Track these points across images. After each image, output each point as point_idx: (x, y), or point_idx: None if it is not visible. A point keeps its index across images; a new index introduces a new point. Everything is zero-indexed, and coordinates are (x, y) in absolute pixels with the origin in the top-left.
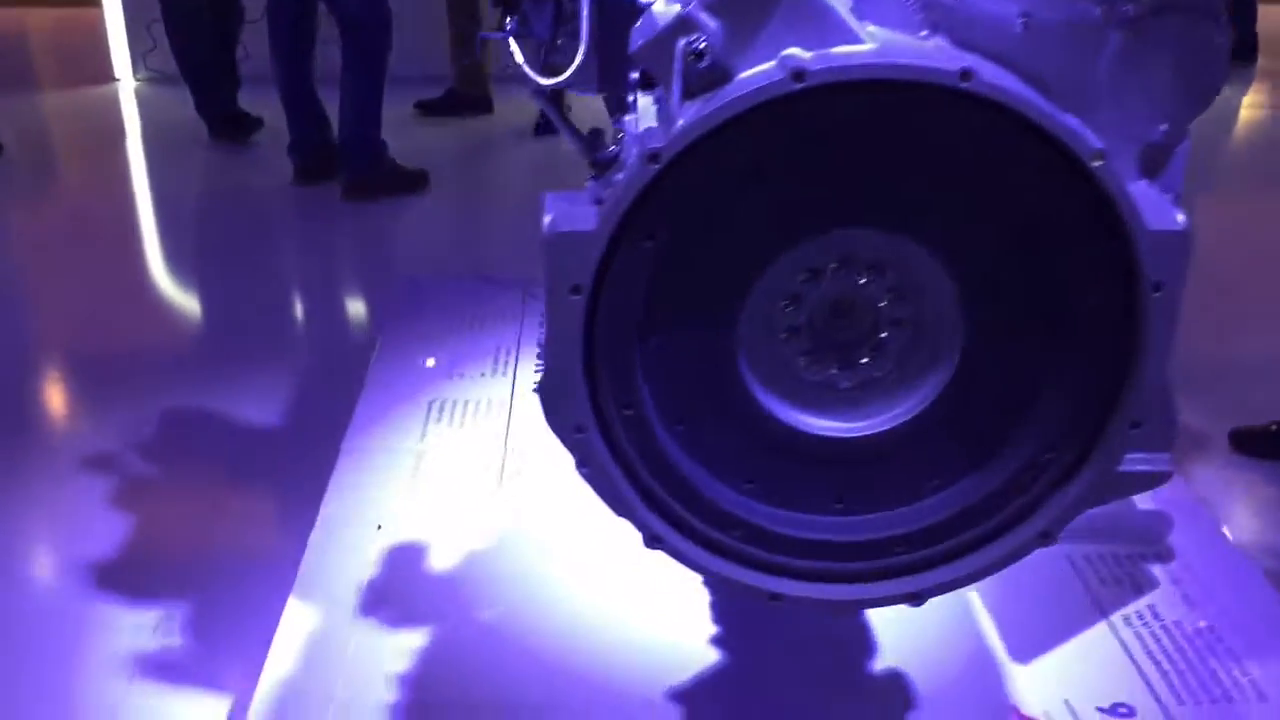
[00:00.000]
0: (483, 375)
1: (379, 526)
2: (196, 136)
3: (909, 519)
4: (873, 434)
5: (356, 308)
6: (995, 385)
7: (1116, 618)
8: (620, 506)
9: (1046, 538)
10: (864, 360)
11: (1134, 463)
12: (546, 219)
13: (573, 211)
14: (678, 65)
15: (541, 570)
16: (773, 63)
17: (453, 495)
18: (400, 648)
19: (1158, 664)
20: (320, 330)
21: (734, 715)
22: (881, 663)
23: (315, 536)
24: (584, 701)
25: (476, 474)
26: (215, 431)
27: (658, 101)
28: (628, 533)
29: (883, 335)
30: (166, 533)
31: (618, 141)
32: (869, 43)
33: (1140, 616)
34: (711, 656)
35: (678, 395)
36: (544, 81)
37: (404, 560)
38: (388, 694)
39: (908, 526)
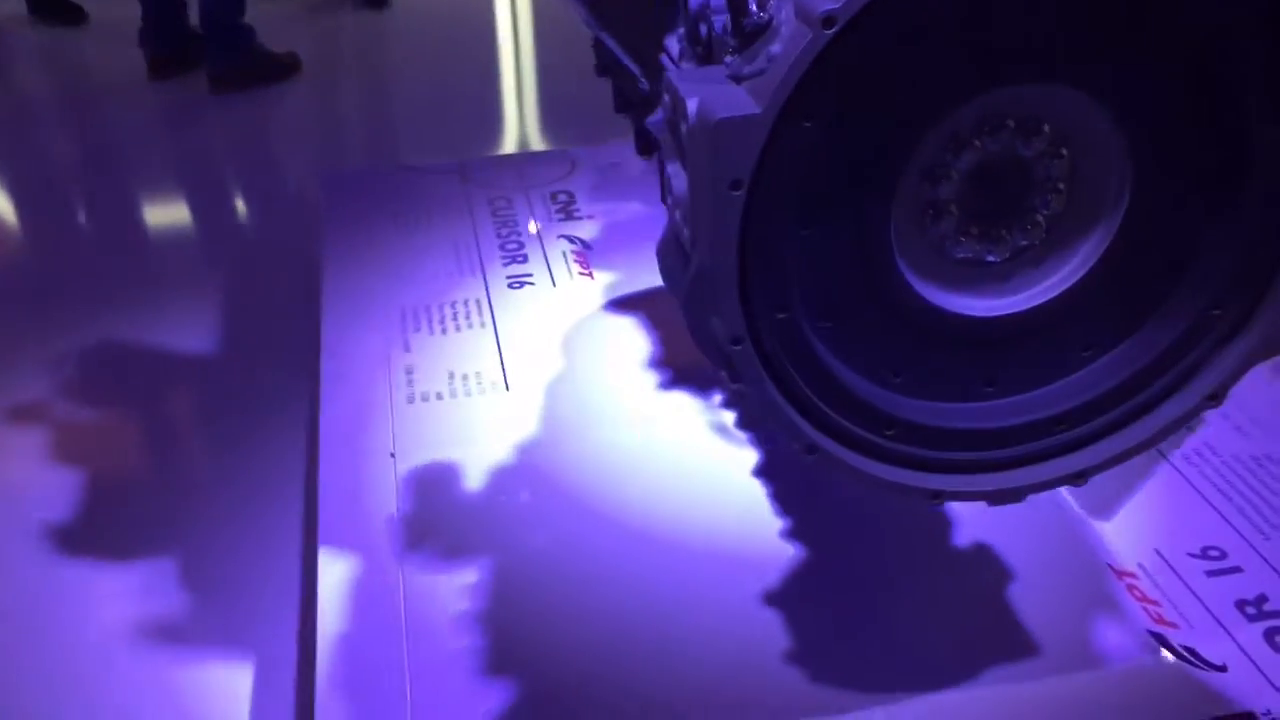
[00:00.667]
0: (449, 274)
1: (391, 454)
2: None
3: (1067, 394)
4: (1026, 309)
5: (266, 214)
6: (1158, 243)
7: (1177, 459)
8: (776, 418)
9: (1215, 399)
10: (1017, 231)
11: None
12: (691, 104)
13: (722, 94)
14: None
15: (576, 480)
16: None
17: (461, 410)
18: (456, 587)
19: (1229, 500)
20: (232, 246)
21: (825, 598)
22: (967, 539)
23: (325, 473)
24: (671, 607)
25: (479, 384)
26: (160, 366)
27: None
28: (656, 427)
29: (1037, 200)
30: (142, 480)
31: (761, 5)
32: None
33: (1199, 454)
34: (785, 550)
35: (828, 289)
36: None
37: (429, 489)
38: (460, 641)
39: (1067, 403)
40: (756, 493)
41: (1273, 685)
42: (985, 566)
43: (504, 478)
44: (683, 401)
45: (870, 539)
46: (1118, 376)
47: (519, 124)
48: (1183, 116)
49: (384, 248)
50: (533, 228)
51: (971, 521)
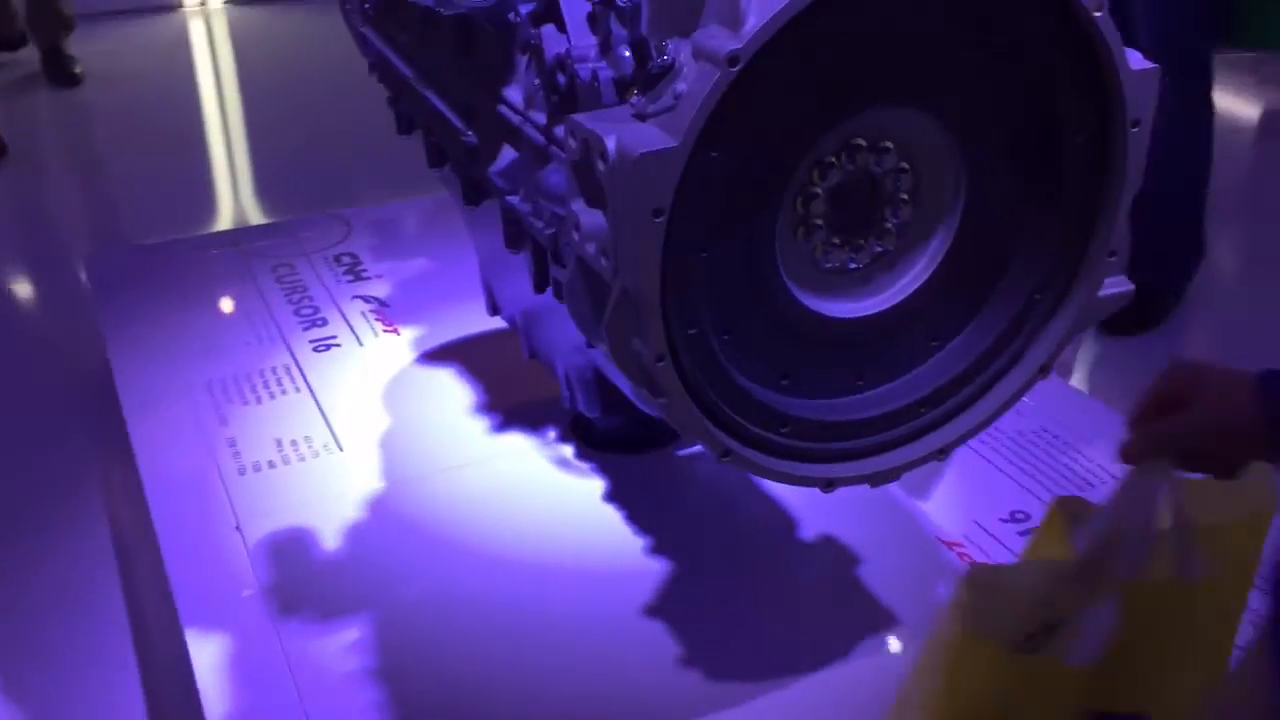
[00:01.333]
0: (247, 345)
1: (236, 528)
2: None
3: (923, 382)
4: (884, 309)
5: (15, 300)
6: (989, 240)
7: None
8: (694, 428)
9: (1045, 371)
10: (873, 239)
11: (1108, 287)
12: (610, 142)
13: (635, 131)
14: None
15: (434, 526)
16: None
17: (298, 475)
18: (341, 646)
19: (1022, 469)
20: None
21: (699, 602)
22: (812, 532)
23: (170, 555)
24: (555, 630)
25: (310, 448)
26: None
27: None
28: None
29: (888, 210)
30: None
31: (654, 50)
32: None
33: (989, 434)
34: (651, 564)
35: (726, 304)
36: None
37: (285, 556)
38: (360, 698)
39: (924, 389)
40: (612, 515)
41: None
42: (833, 554)
43: (360, 535)
44: (518, 442)
45: (726, 544)
46: (963, 361)
47: (233, 197)
48: (1006, 123)
49: (171, 325)
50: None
51: (811, 515)
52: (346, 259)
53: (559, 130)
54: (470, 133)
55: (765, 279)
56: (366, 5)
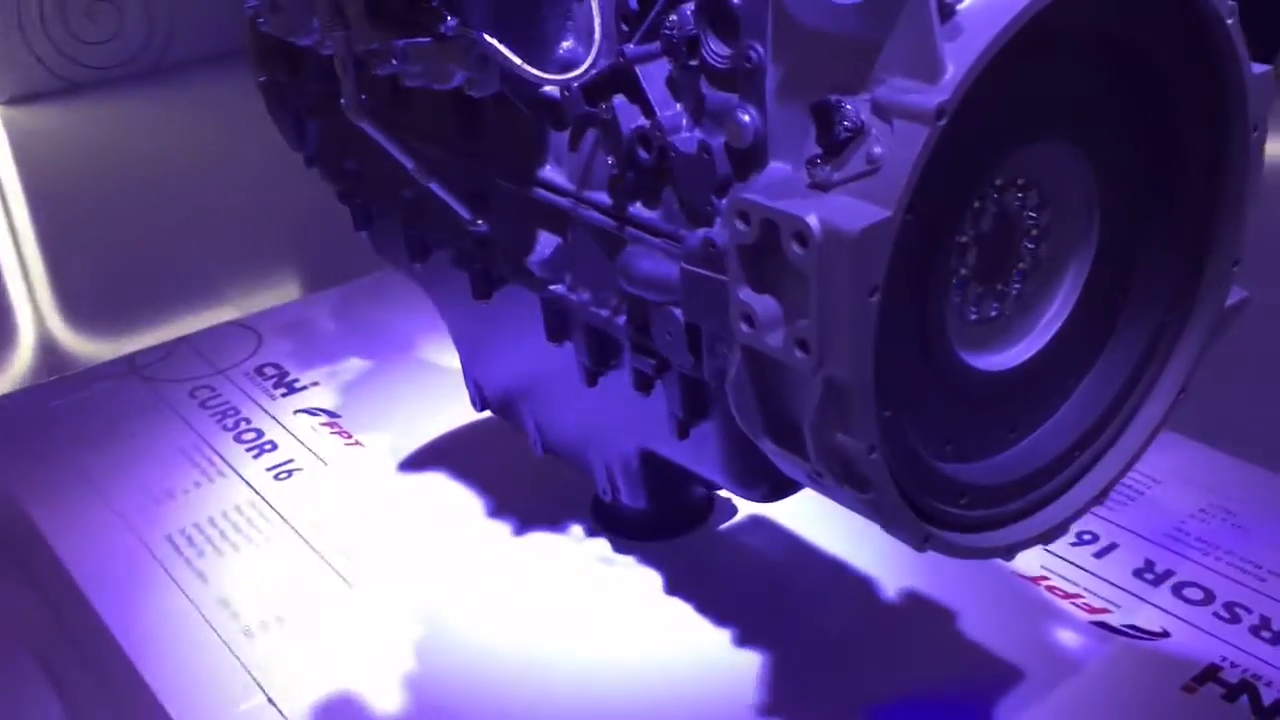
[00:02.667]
0: (197, 486)
1: (269, 700)
2: None
3: (1072, 423)
4: (1031, 354)
5: None
6: (1120, 266)
7: None
8: (899, 519)
9: (1184, 392)
10: (1013, 281)
11: (1233, 296)
12: (813, 220)
13: (837, 205)
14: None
15: (496, 666)
16: None
17: (314, 628)
18: None
19: None
20: None
21: (816, 684)
22: (893, 593)
23: None
24: None
25: (319, 592)
26: None
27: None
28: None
29: (1025, 251)
30: None
31: (830, 114)
32: None
33: None
34: (749, 657)
35: (906, 374)
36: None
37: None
38: None
39: (1075, 431)
40: (686, 610)
41: (1210, 634)
42: (929, 613)
43: (408, 684)
44: (547, 546)
45: (817, 619)
46: (1107, 395)
47: (34, 313)
48: (1131, 140)
49: (98, 480)
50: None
51: (880, 576)
52: (270, 370)
53: (636, 210)
54: (481, 222)
55: (933, 341)
56: (310, 93)
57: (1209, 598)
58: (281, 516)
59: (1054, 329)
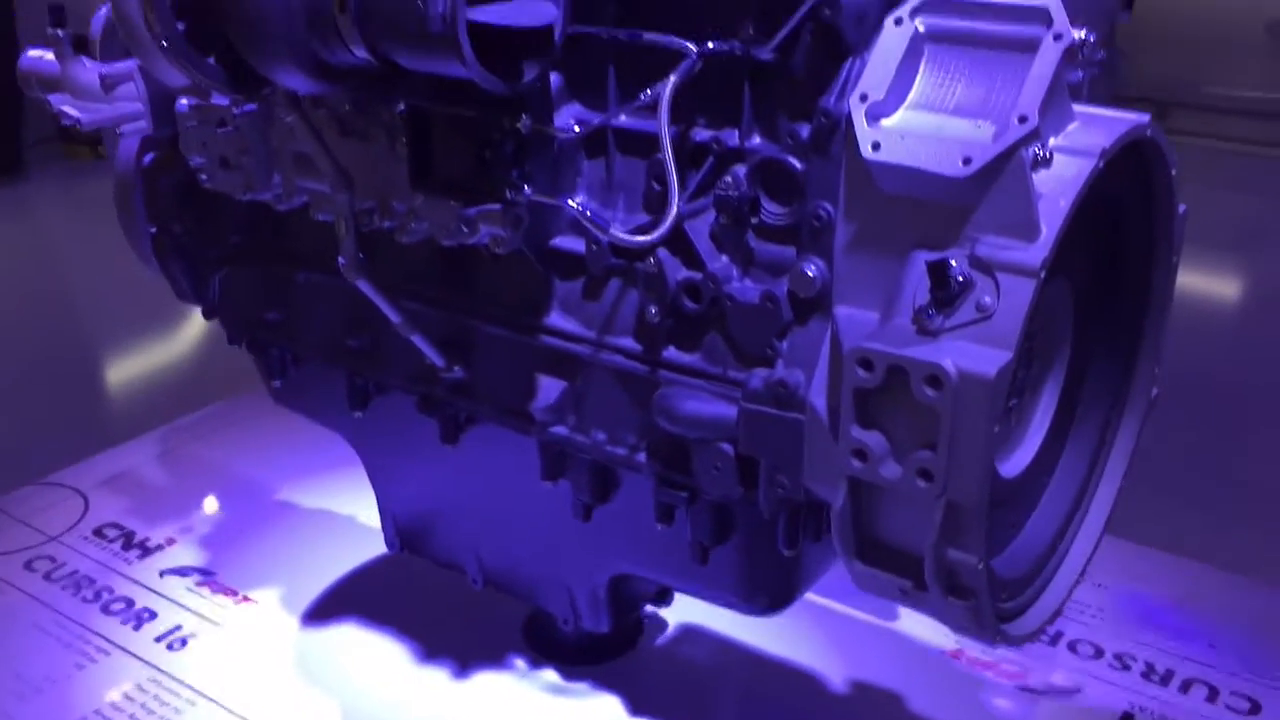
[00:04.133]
0: (79, 667)
1: None
2: None
3: (1053, 514)
4: (1029, 459)
5: None
6: (1080, 373)
7: None
8: (989, 622)
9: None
10: (1013, 398)
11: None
12: (948, 365)
13: (961, 350)
14: (1026, 162)
15: None
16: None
17: None
18: None
19: None
20: None
21: None
22: (830, 688)
23: None
24: None
25: None
26: None
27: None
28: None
29: (1023, 371)
30: None
31: (944, 270)
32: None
33: None
34: None
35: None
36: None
37: None
38: None
39: (1056, 521)
40: None
41: (1114, 685)
42: (875, 699)
43: None
44: (496, 682)
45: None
46: (1074, 484)
47: None
48: (1098, 270)
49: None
50: None
51: (823, 669)
52: (112, 531)
53: (671, 354)
54: (457, 368)
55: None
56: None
57: (1099, 652)
58: (194, 689)
59: (1041, 434)
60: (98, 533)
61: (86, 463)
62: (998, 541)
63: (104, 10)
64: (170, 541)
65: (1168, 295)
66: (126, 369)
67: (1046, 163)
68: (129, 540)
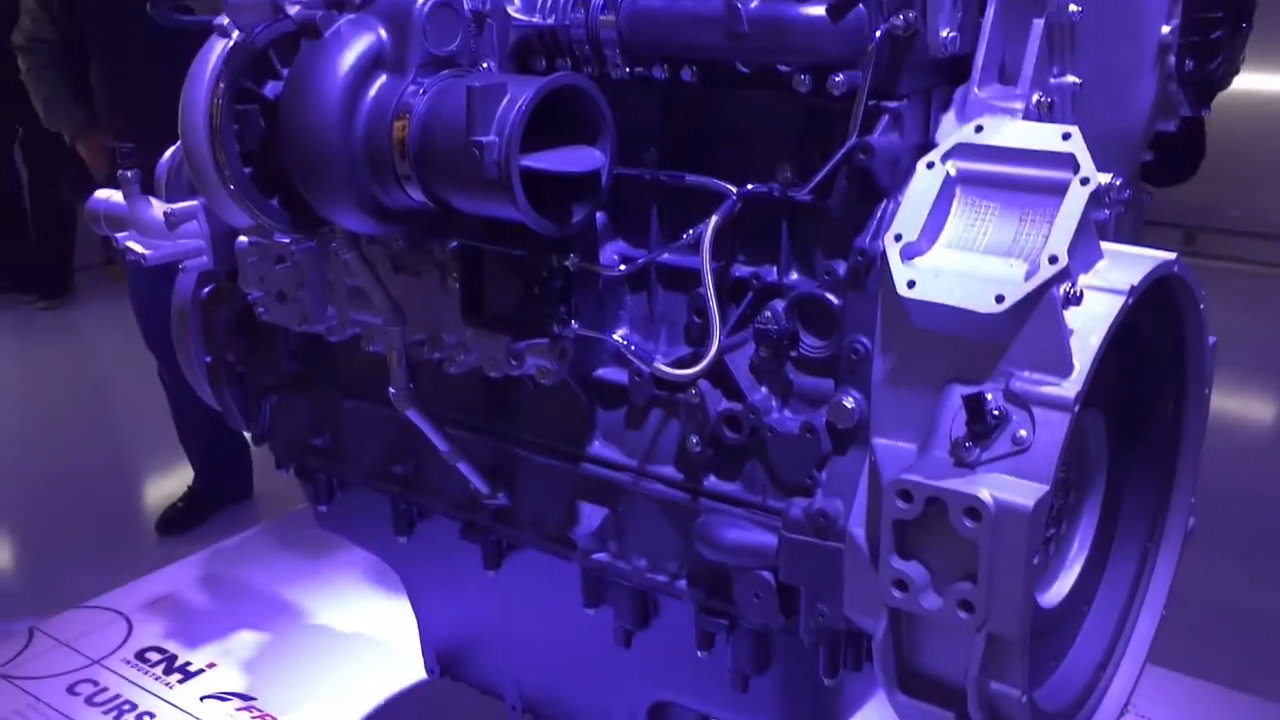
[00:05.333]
0: None
1: None
2: None
3: (1094, 645)
4: (1068, 589)
5: None
6: (1117, 503)
7: None
8: None
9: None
10: (1051, 527)
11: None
12: (986, 497)
13: (1000, 483)
14: (1058, 300)
15: None
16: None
17: None
18: None
19: None
20: None
21: None
22: None
23: None
24: None
25: None
26: None
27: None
28: None
29: (1061, 500)
30: None
31: (980, 404)
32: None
33: None
34: None
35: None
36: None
37: None
38: None
39: (1097, 652)
40: None
41: None
42: None
43: None
44: None
45: None
46: (1113, 614)
47: None
48: (1131, 402)
49: None
50: None
51: None
52: (154, 655)
53: (712, 483)
54: (501, 495)
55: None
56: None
57: None
58: None
59: (1080, 563)
60: (140, 656)
61: (130, 586)
62: (1040, 673)
63: (171, 151)
64: (211, 665)
65: (1201, 426)
66: (170, 491)
67: (1077, 300)
68: (171, 664)
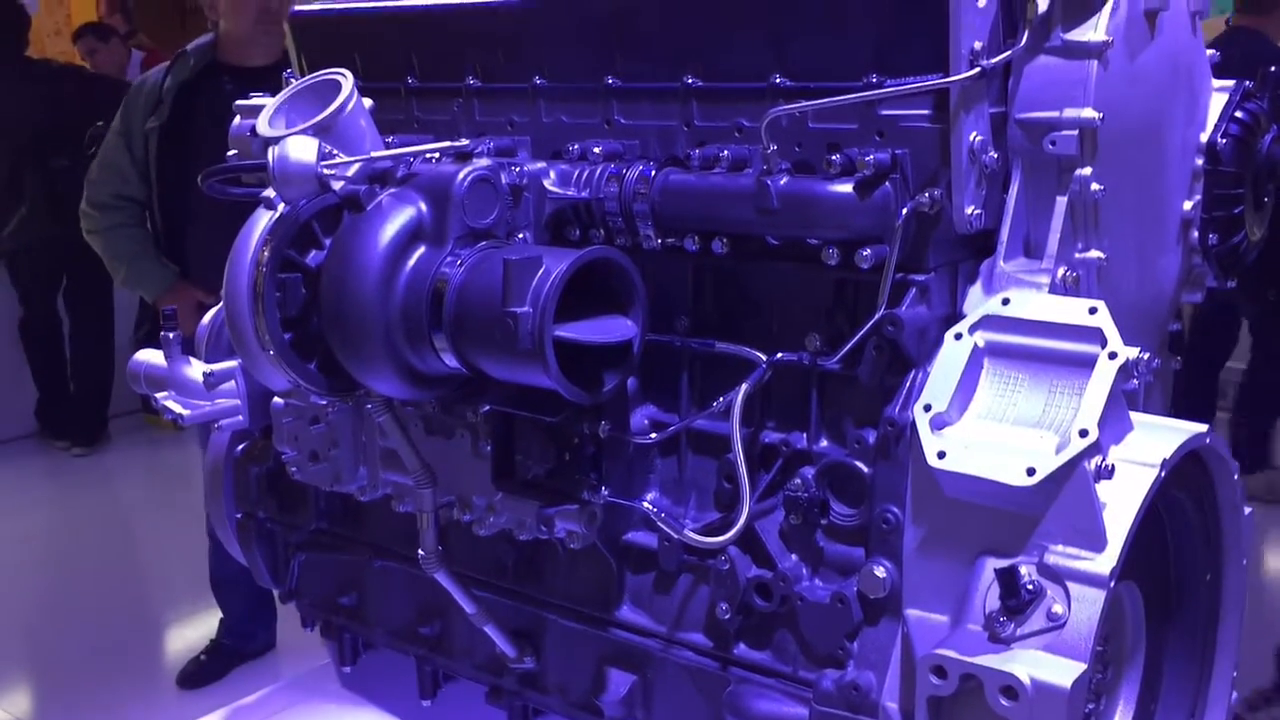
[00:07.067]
0: None
1: None
2: None
3: None
4: None
5: None
6: (1156, 679)
7: None
8: None
9: None
10: (1099, 702)
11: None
12: (1023, 675)
13: (1037, 661)
14: (1090, 474)
15: None
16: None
17: None
18: None
19: None
20: None
21: None
22: None
23: None
24: None
25: None
26: None
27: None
28: None
29: (1105, 673)
30: None
31: (1014, 579)
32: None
33: None
34: None
35: None
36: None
37: None
38: None
39: None
40: None
41: None
42: None
43: None
44: None
45: None
46: None
47: None
48: (1164, 578)
49: None
50: None
51: None
52: None
53: (742, 652)
54: (528, 659)
55: None
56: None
57: None
58: None
59: None
60: None
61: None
62: None
63: (211, 314)
64: None
65: (1240, 595)
66: (193, 642)
67: (1109, 473)
68: None
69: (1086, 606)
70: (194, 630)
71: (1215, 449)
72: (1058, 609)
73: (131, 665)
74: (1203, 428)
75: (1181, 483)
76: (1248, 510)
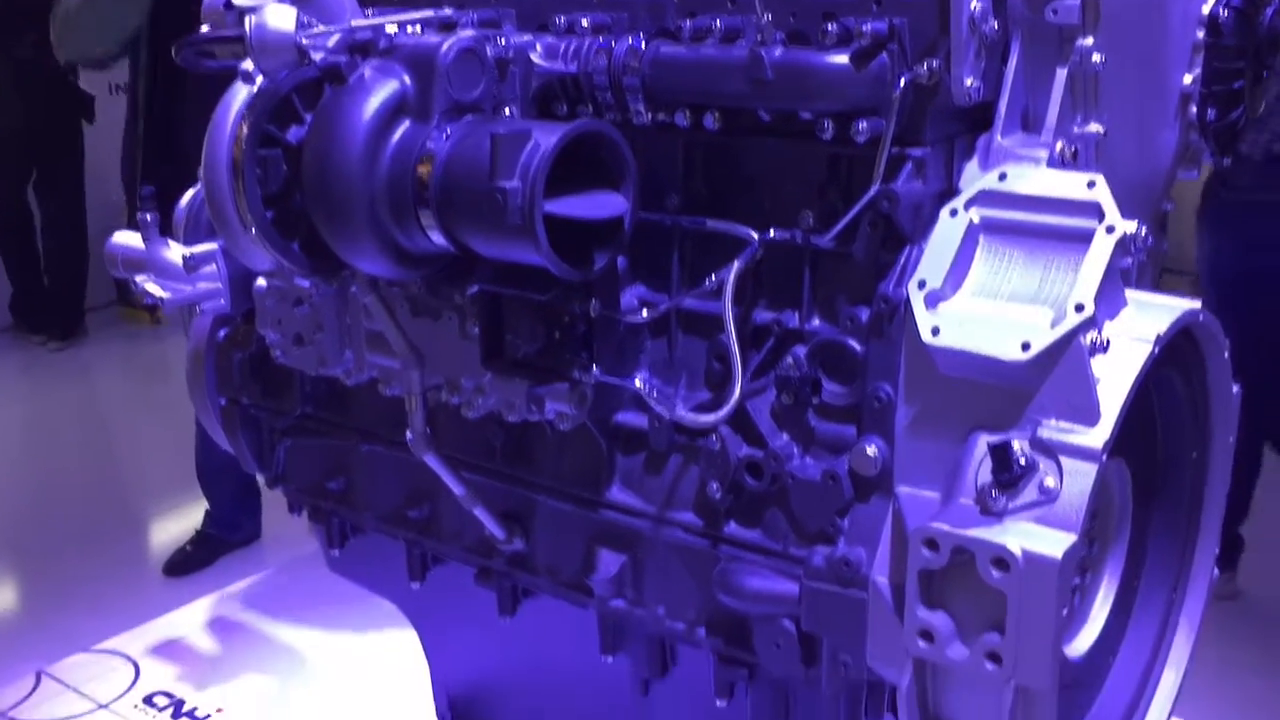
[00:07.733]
0: None
1: None
2: None
3: (1122, 692)
4: (1092, 641)
5: None
6: (1140, 558)
7: None
8: None
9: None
10: (1085, 577)
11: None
12: (1014, 547)
13: (1027, 532)
14: (1085, 348)
15: None
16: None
17: None
18: None
19: None
20: None
21: None
22: None
23: None
24: None
25: None
26: None
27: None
28: None
29: (1091, 548)
30: None
31: (1007, 453)
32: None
33: None
34: None
35: None
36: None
37: None
38: None
39: (1126, 699)
40: None
41: None
42: None
43: None
44: None
45: None
46: (1137, 669)
47: None
48: (1156, 453)
49: None
50: None
51: None
52: (162, 699)
53: (732, 530)
54: (517, 540)
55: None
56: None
57: None
58: None
59: (1105, 613)
60: (148, 700)
61: (138, 629)
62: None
63: (190, 195)
64: (219, 710)
65: (1225, 475)
66: (178, 533)
67: (1104, 348)
68: (178, 709)
69: (1079, 480)
70: (176, 524)
71: (1208, 325)
72: (1050, 482)
73: (116, 556)
74: (1195, 303)
75: (1173, 359)
76: (1236, 388)
